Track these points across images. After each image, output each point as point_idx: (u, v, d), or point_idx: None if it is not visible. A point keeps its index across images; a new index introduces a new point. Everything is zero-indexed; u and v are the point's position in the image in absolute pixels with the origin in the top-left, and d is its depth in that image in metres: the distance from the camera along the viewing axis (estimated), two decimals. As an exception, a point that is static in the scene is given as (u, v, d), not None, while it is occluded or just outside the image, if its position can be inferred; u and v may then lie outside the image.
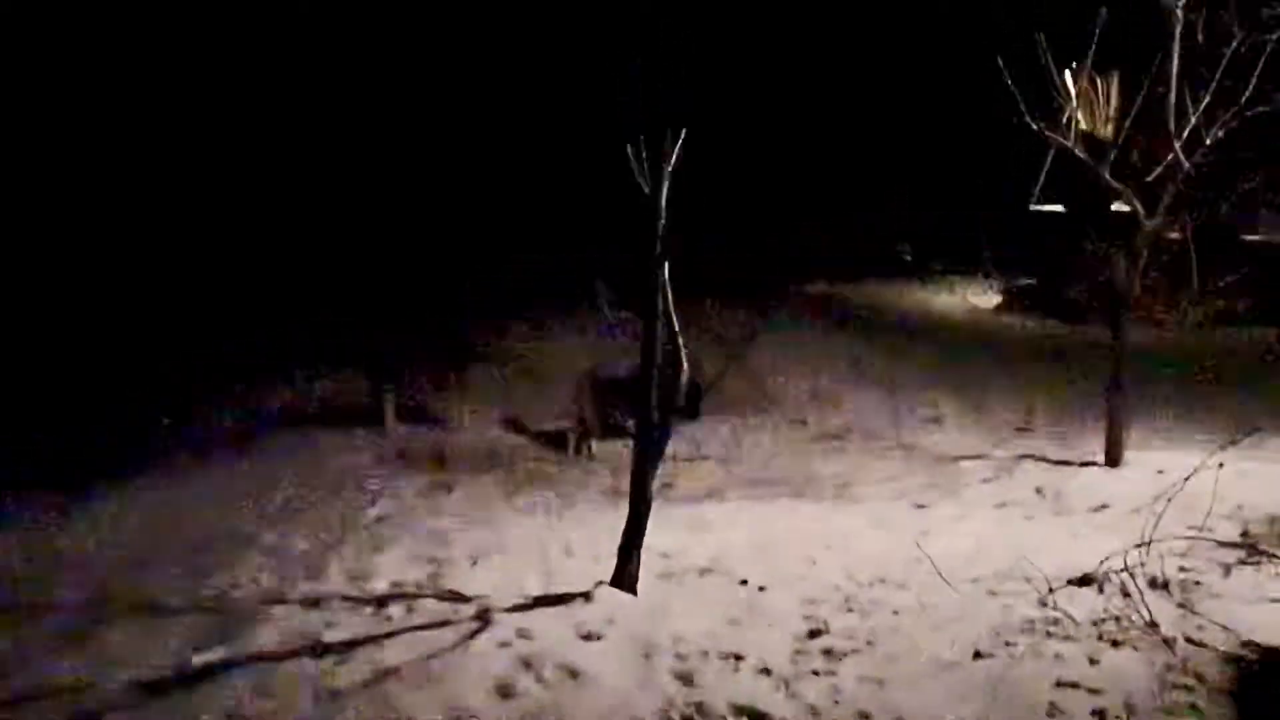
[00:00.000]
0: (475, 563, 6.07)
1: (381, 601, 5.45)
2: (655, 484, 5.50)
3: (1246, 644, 4.57)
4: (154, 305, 11.59)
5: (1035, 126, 6.98)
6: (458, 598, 5.48)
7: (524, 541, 6.47)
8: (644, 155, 5.05)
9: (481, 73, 13.25)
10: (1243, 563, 5.39)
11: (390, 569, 6.02)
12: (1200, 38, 6.70)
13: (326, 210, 12.68)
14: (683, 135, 5.14)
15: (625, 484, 6.06)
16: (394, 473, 8.15)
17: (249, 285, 12.29)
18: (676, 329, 5.34)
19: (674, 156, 5.07)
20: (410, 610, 5.33)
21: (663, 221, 5.02)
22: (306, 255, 12.76)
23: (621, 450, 8.47)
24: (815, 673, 4.59)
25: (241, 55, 12.16)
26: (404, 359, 9.50)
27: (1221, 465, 6.00)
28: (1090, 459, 7.71)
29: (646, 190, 5.06)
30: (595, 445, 8.76)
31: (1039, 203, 14.53)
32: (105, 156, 10.89)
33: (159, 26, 11.82)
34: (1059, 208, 14.91)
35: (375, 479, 7.99)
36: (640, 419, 5.35)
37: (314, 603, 5.48)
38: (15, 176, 10.63)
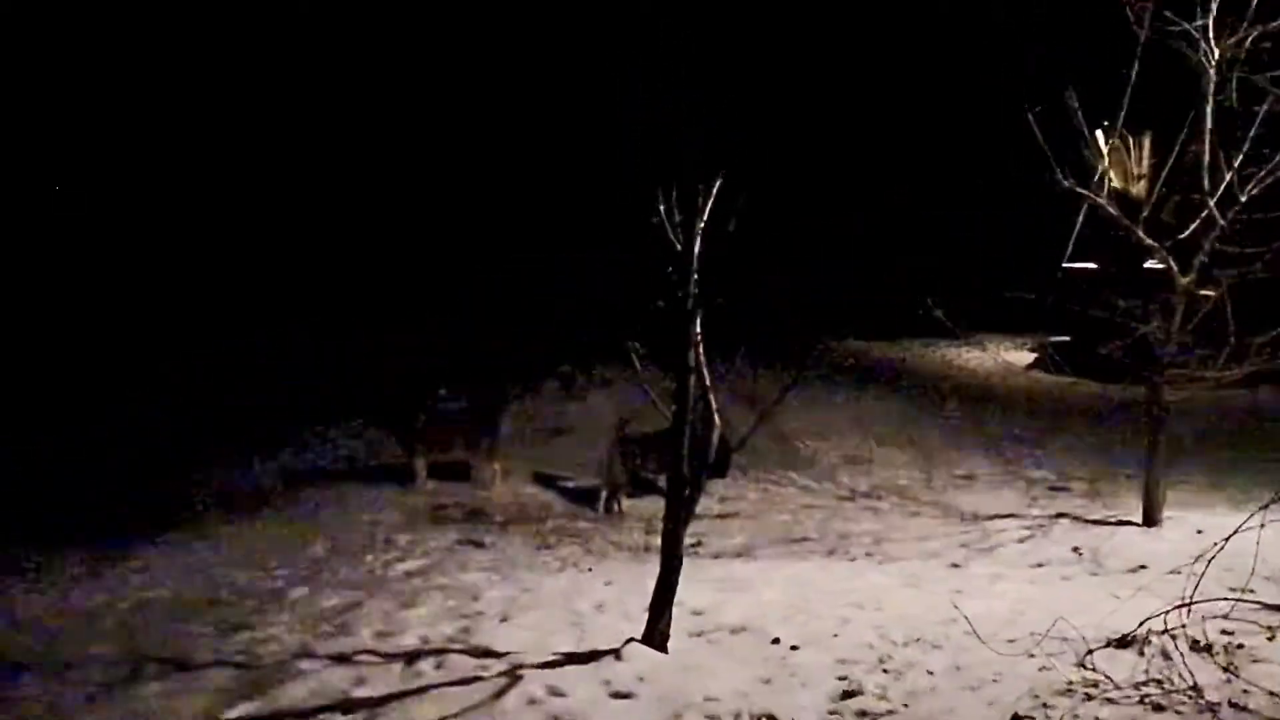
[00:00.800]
0: (505, 619, 6.06)
1: (411, 658, 5.43)
2: (686, 541, 5.46)
3: (1293, 709, 5.02)
4: (186, 347, 11.69)
5: (1067, 184, 6.96)
6: (488, 654, 5.46)
7: (554, 598, 6.45)
8: (673, 211, 5.05)
9: (503, 105, 13.42)
10: (1287, 626, 5.98)
11: (420, 625, 6.01)
12: (1234, 96, 6.60)
13: (371, 266, 12.96)
14: (716, 187, 5.12)
15: (656, 541, 6.06)
16: (424, 529, 8.14)
17: (289, 334, 12.39)
18: (708, 384, 5.30)
19: (706, 210, 5.06)
20: (440, 667, 5.31)
21: (695, 276, 5.01)
22: (347, 308, 12.90)
23: (652, 507, 8.38)
24: (850, 735, 4.90)
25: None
26: (434, 416, 9.34)
27: (1263, 526, 5.80)
28: (1127, 518, 7.62)
29: (679, 247, 5.05)
30: (625, 502, 8.69)
31: (1072, 260, 14.59)
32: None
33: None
34: (1092, 265, 14.98)
35: (405, 535, 7.96)
36: (672, 475, 5.31)
37: (343, 659, 5.48)
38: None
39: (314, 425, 11.19)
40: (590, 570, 7.14)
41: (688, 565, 5.43)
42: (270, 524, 8.32)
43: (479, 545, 7.73)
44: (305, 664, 5.42)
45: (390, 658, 5.46)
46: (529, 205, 13.63)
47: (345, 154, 11.96)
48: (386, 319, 13.00)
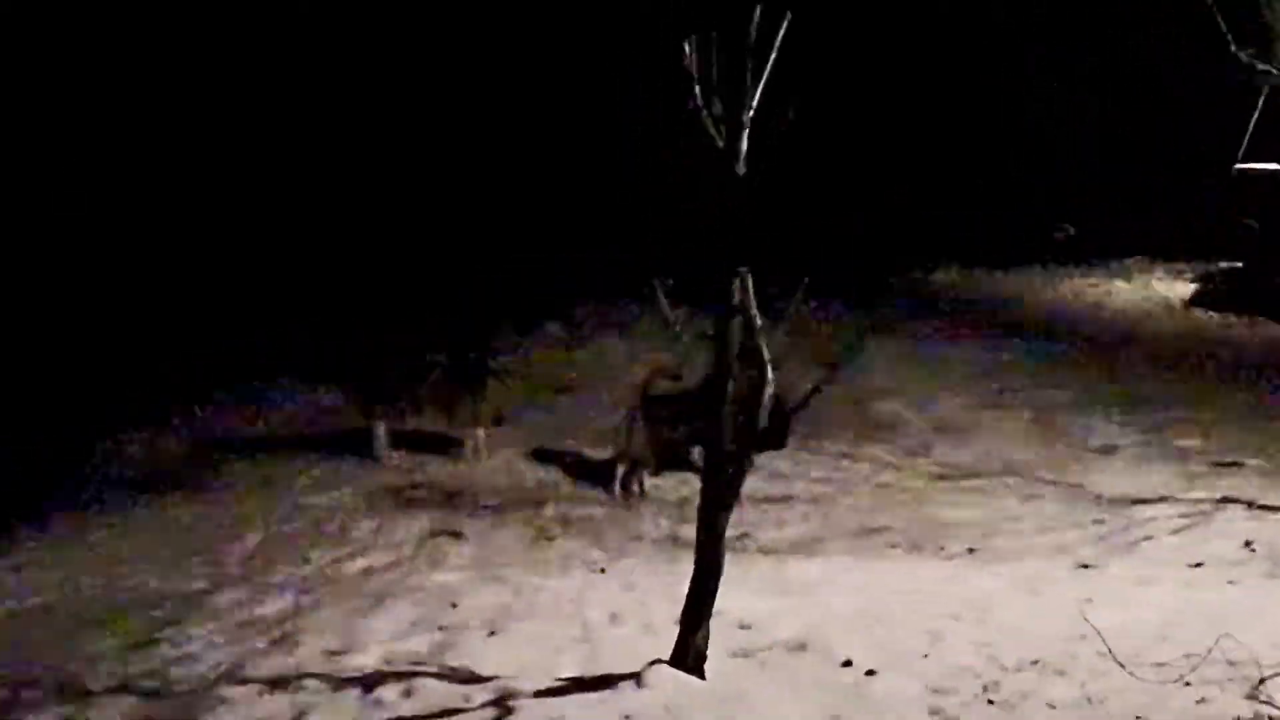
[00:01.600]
0: (493, 633, 6.01)
1: (370, 682, 5.38)
2: (730, 533, 5.42)
3: None
4: (90, 299, 11.78)
5: (1243, 57, 6.82)
6: (470, 678, 5.42)
7: (556, 605, 6.41)
8: (713, 97, 4.96)
9: (480, 59, 14.88)
10: None
11: (382, 639, 5.97)
12: None
13: (302, 195, 13.60)
14: (769, 65, 5.02)
15: (689, 532, 5.97)
16: (389, 515, 8.12)
17: (209, 282, 12.47)
18: (758, 328, 5.23)
19: (756, 94, 4.97)
20: (408, 694, 5.25)
21: (741, 185, 4.91)
22: (279, 247, 13.06)
23: (684, 488, 8.33)
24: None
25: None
26: (403, 371, 9.39)
27: None
28: (1317, 504, 8.48)
29: (720, 143, 4.97)
30: (649, 481, 8.68)
31: (1248, 160, 14.02)
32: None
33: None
34: (1275, 166, 14.40)
35: (365, 523, 7.94)
36: (710, 448, 5.29)
37: (282, 683, 5.41)
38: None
39: (251, 380, 10.94)
40: (603, 570, 7.11)
41: (731, 564, 5.38)
42: (191, 506, 8.25)
43: (459, 536, 7.69)
44: (233, 690, 5.34)
45: (343, 683, 5.38)
46: (551, 192, 14.56)
47: (332, 140, 13.92)
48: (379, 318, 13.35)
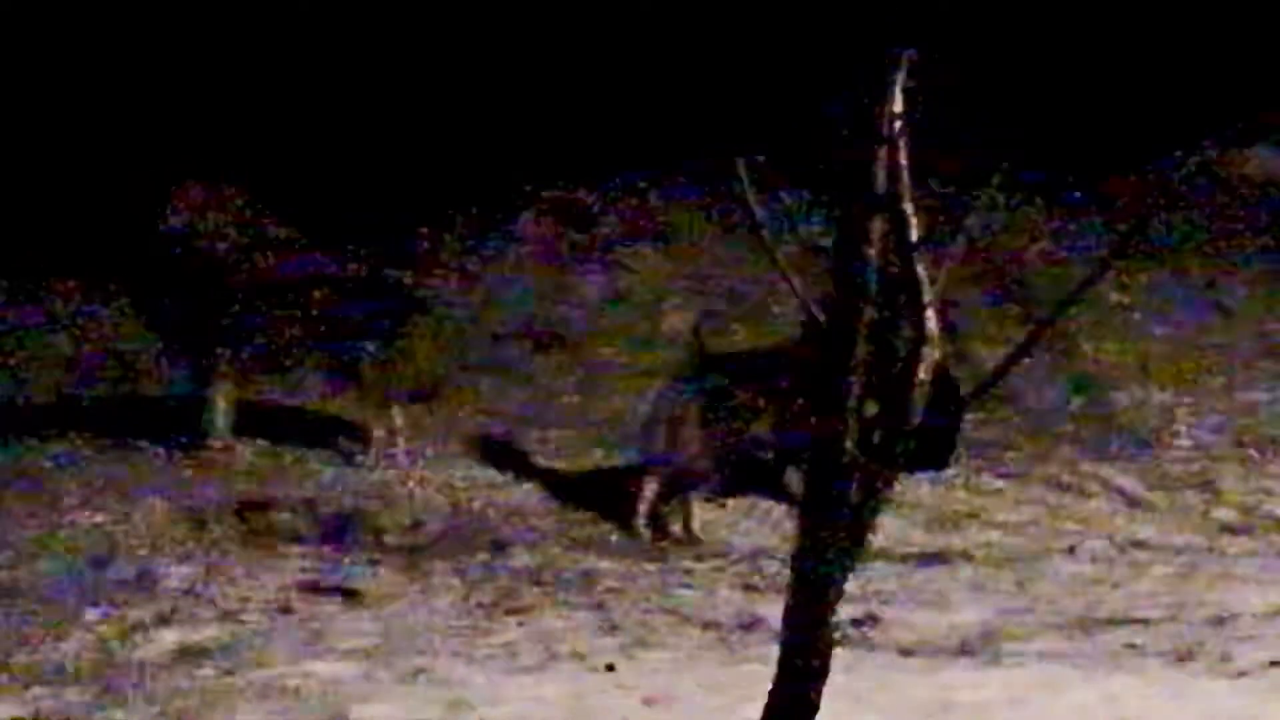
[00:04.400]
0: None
1: None
2: (846, 612, 5.13)
3: None
4: None
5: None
6: None
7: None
8: None
9: None
10: None
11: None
12: None
13: None
14: None
15: (770, 608, 6.12)
16: (226, 552, 8.05)
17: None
18: (915, 244, 5.17)
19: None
20: None
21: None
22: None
23: (764, 529, 8.41)
24: None
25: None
26: (263, 300, 9.50)
27: None
28: None
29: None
30: (700, 514, 8.45)
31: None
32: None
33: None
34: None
35: (178, 565, 7.88)
36: (818, 460, 4.93)
37: None
38: None
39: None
40: (611, 668, 6.89)
41: (845, 669, 5.02)
42: None
43: (350, 595, 7.59)
44: None
45: None
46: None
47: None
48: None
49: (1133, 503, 8.89)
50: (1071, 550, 8.35)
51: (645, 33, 14.29)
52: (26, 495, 8.70)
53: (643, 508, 8.31)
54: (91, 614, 7.37)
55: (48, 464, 9.04)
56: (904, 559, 8.02)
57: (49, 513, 8.44)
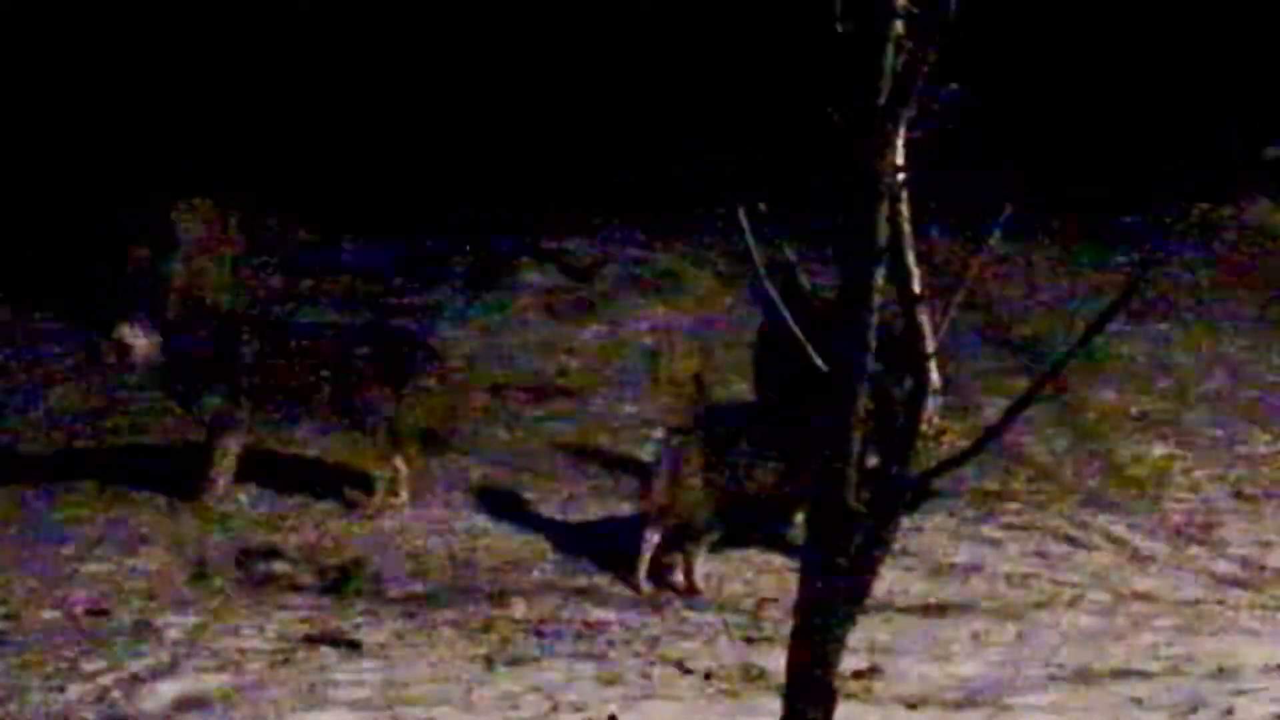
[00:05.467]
0: None
1: None
2: (848, 663, 5.35)
3: None
4: None
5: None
6: None
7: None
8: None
9: None
10: None
11: None
12: None
13: None
14: None
15: (772, 661, 5.98)
16: (229, 602, 7.98)
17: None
18: (916, 290, 4.98)
19: None
20: None
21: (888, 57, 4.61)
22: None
23: (765, 579, 8.35)
24: None
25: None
26: (268, 348, 9.38)
27: None
28: None
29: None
30: (702, 564, 8.40)
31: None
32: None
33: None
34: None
35: (185, 615, 7.81)
36: (821, 506, 5.07)
37: None
38: None
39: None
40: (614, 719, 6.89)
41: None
42: None
43: (351, 646, 7.55)
44: None
45: None
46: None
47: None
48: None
49: (1134, 555, 8.84)
50: (1073, 602, 8.28)
51: (647, 84, 14.35)
52: (27, 544, 8.64)
53: (644, 558, 8.26)
54: (91, 664, 7.30)
55: (48, 513, 8.99)
56: (905, 610, 7.96)
57: (49, 562, 8.39)
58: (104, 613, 7.86)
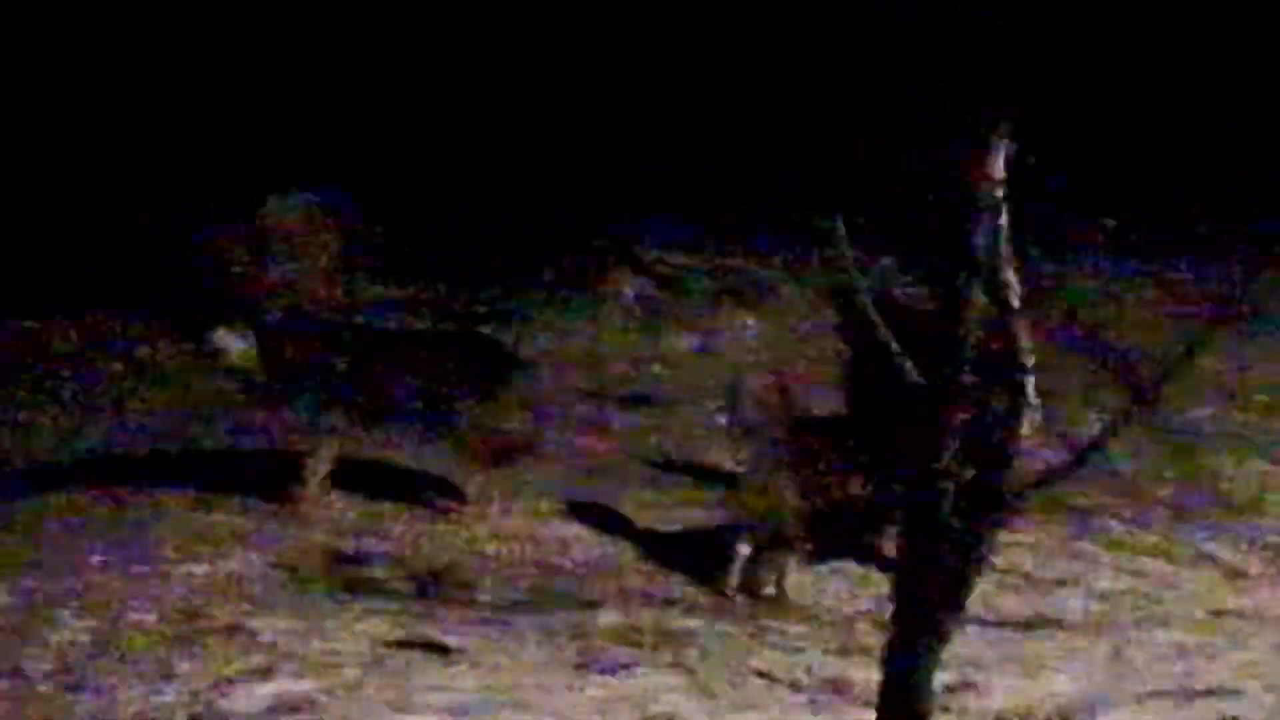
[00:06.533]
0: None
1: None
2: (941, 679, 5.13)
3: None
4: None
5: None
6: None
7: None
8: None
9: None
10: None
11: None
12: None
13: None
14: None
15: (864, 673, 5.88)
16: (320, 606, 7.77)
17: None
18: (1014, 299, 4.97)
19: None
20: None
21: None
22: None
23: (859, 592, 8.15)
24: None
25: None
26: (362, 354, 9.53)
27: None
28: None
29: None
30: (793, 574, 8.37)
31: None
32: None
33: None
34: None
35: (278, 617, 7.60)
36: (915, 520, 5.04)
37: None
38: None
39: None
40: None
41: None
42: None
43: (442, 651, 7.32)
44: None
45: None
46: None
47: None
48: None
49: (1230, 572, 8.64)
50: (1167, 619, 8.09)
51: (740, 97, 14.42)
52: (123, 547, 8.70)
53: (734, 568, 8.01)
54: (185, 666, 7.25)
55: (143, 516, 9.03)
56: (998, 625, 7.75)
57: (144, 564, 8.39)
58: (196, 614, 7.69)
